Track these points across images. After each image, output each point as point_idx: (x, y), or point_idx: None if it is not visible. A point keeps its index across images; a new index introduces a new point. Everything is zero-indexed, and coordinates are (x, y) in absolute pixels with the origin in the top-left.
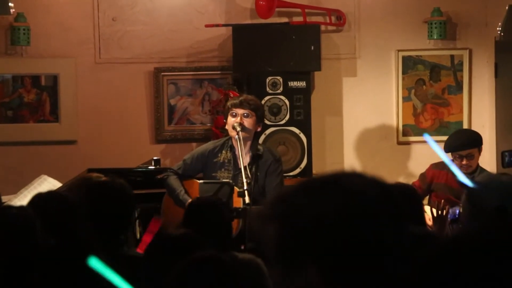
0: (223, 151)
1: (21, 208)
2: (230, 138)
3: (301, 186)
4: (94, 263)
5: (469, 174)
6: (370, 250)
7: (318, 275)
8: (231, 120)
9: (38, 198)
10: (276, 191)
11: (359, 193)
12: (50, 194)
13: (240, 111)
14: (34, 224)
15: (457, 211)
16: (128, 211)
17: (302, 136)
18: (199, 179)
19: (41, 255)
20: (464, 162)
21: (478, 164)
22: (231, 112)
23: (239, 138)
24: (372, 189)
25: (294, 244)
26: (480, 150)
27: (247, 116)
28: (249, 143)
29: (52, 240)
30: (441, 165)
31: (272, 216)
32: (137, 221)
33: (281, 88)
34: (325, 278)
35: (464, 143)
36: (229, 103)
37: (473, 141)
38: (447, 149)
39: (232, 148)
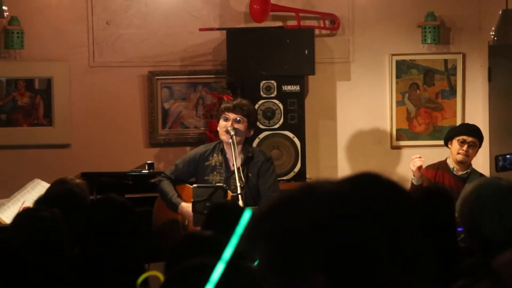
0: (214, 155)
1: (53, 212)
2: (221, 141)
3: (284, 196)
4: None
5: (464, 167)
6: (363, 254)
7: (326, 283)
8: (222, 123)
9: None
10: (267, 195)
11: (343, 196)
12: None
13: (232, 115)
14: (63, 230)
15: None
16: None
17: (296, 140)
18: (191, 184)
19: (65, 262)
20: (465, 148)
21: (470, 164)
22: (223, 115)
23: (232, 142)
24: (354, 192)
25: (295, 256)
26: (479, 147)
27: (238, 122)
28: (240, 146)
29: (77, 248)
30: (436, 166)
31: (262, 233)
32: None
33: (275, 92)
34: (333, 285)
35: (473, 130)
36: (222, 106)
37: (481, 134)
38: (453, 134)
39: (223, 151)
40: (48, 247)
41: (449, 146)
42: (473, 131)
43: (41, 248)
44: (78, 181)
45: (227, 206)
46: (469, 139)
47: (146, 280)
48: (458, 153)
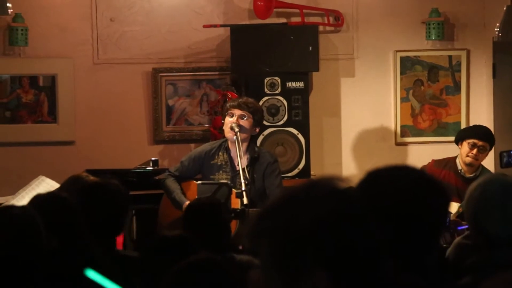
0: (220, 153)
1: (25, 208)
2: (226, 140)
3: (286, 194)
4: (91, 274)
5: (473, 170)
6: (364, 251)
7: (327, 280)
8: (228, 120)
9: (39, 199)
10: (276, 192)
11: (345, 194)
12: (51, 195)
13: (237, 112)
14: (38, 225)
15: (447, 219)
16: (122, 212)
17: (300, 137)
18: (197, 181)
19: (44, 255)
20: (474, 151)
21: (480, 164)
22: (229, 112)
23: (237, 138)
24: (356, 190)
25: (297, 253)
26: (489, 150)
27: (243, 118)
28: (245, 145)
29: (54, 241)
30: (443, 163)
31: (265, 231)
32: (133, 221)
33: (279, 89)
34: (334, 282)
35: (485, 133)
36: (228, 104)
37: (492, 138)
38: (463, 135)
39: (228, 150)
40: (24, 242)
41: (459, 146)
42: (484, 135)
43: (18, 245)
44: (92, 178)
45: (203, 206)
46: (479, 143)
47: None
48: (467, 156)
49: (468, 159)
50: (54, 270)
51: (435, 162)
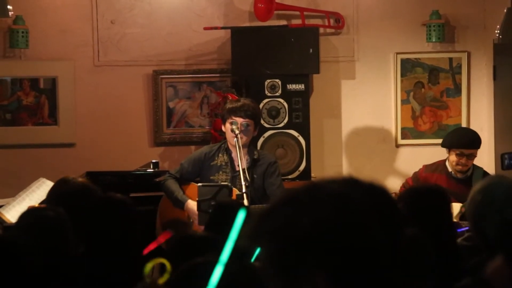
0: (220, 154)
1: (58, 211)
2: (226, 141)
3: (287, 196)
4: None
5: (463, 173)
6: (364, 254)
7: (327, 282)
8: (229, 127)
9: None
10: (277, 193)
11: (346, 197)
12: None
13: (239, 120)
14: (68, 229)
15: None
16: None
17: (300, 139)
18: (197, 183)
19: (70, 260)
20: (463, 160)
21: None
22: (229, 120)
23: (237, 140)
24: (357, 193)
25: (297, 254)
26: (476, 153)
27: (247, 126)
28: (246, 148)
29: (82, 247)
30: (433, 167)
31: (266, 232)
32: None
33: (280, 91)
34: (334, 284)
35: (471, 141)
36: (227, 108)
37: (478, 142)
38: (450, 145)
39: (228, 151)
40: (53, 246)
41: (447, 153)
42: (471, 143)
43: (46, 248)
44: (80, 179)
45: (232, 205)
46: (467, 151)
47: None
48: (457, 165)
49: (459, 167)
50: (78, 275)
51: (426, 168)
